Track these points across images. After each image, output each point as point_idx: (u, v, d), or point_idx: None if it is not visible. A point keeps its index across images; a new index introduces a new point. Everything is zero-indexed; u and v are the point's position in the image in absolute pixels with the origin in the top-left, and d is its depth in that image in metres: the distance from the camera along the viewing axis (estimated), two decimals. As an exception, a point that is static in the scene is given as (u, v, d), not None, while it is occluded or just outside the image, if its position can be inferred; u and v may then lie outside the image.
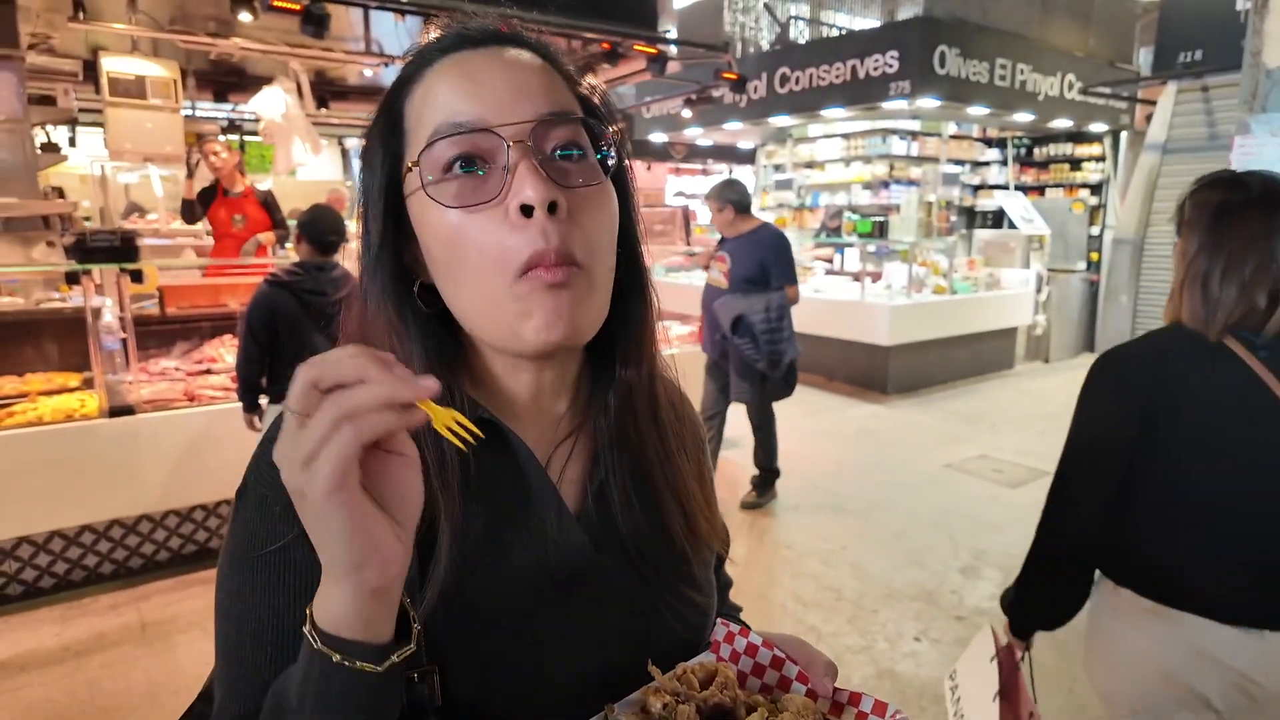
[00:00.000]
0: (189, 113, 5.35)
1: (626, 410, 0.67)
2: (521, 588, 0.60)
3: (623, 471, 0.66)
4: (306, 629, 0.46)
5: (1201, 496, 1.29)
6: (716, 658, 0.64)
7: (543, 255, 0.54)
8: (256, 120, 4.96)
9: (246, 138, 7.64)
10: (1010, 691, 1.48)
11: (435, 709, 0.56)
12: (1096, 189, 9.52)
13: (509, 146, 0.55)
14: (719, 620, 0.65)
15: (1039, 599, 1.51)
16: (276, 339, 2.94)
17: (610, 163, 0.61)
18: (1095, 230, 9.07)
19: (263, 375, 3.03)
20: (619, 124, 0.64)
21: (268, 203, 4.89)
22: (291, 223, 3.97)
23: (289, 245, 4.62)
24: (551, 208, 0.54)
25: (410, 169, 0.58)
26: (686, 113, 7.18)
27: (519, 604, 0.59)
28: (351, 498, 0.43)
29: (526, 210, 0.54)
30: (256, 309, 2.94)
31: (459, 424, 0.47)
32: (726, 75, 5.64)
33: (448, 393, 0.59)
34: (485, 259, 0.55)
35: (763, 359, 4.15)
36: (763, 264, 4.11)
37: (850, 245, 8.00)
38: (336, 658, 0.45)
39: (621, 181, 0.64)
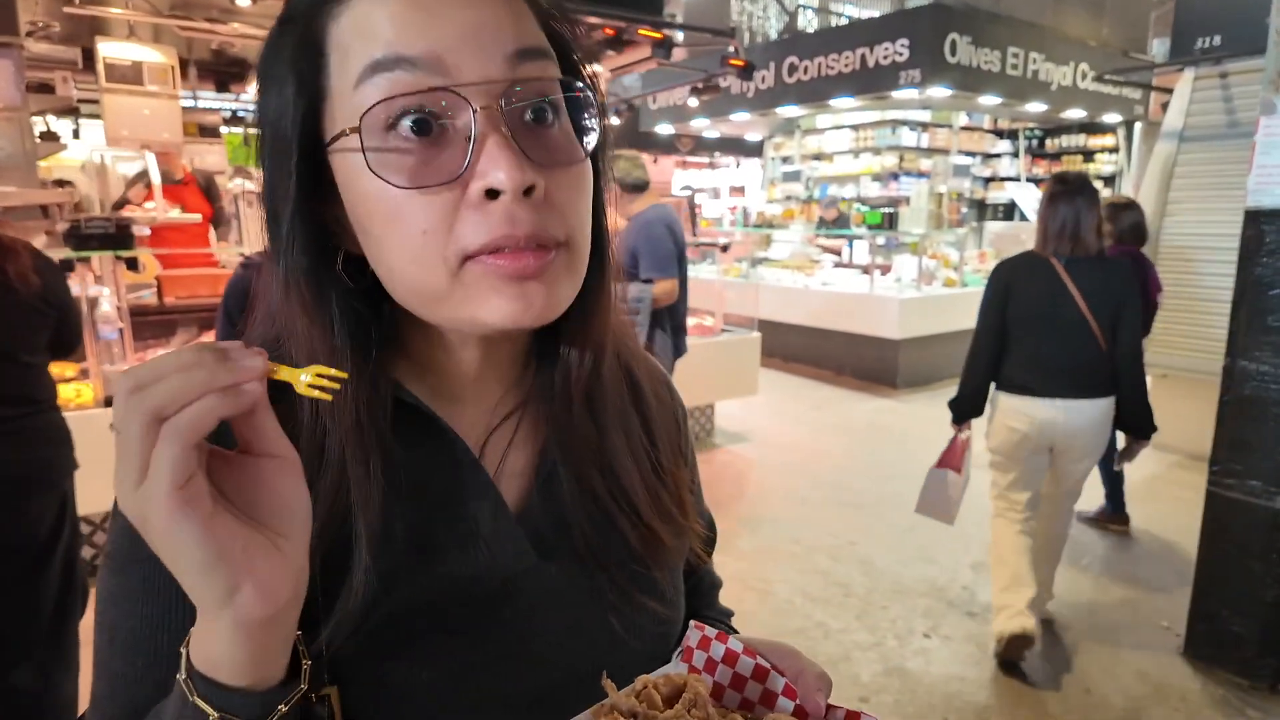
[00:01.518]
0: (190, 103, 5.29)
1: (576, 391, 0.57)
2: (446, 597, 0.51)
3: (576, 462, 0.57)
4: (180, 676, 0.39)
5: (1028, 337, 2.67)
6: (689, 667, 0.54)
7: (507, 240, 0.45)
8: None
9: (250, 130, 7.60)
10: (950, 459, 2.94)
11: None
12: (1110, 181, 9.39)
13: (475, 112, 0.44)
14: (693, 623, 0.54)
15: (965, 402, 2.85)
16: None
17: (589, 129, 0.50)
18: (1108, 222, 8.94)
19: None
20: (592, 70, 0.54)
21: (209, 189, 4.72)
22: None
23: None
24: (527, 192, 0.44)
25: (343, 133, 0.45)
26: (693, 102, 7.09)
27: (441, 617, 0.51)
28: (201, 513, 0.36)
29: (492, 194, 0.44)
30: (232, 292, 2.90)
31: (321, 376, 0.40)
32: (733, 61, 5.55)
33: (372, 385, 0.50)
34: (427, 241, 0.45)
35: None
36: (633, 251, 3.63)
37: (859, 237, 7.91)
38: (214, 717, 0.39)
39: (599, 142, 0.52)
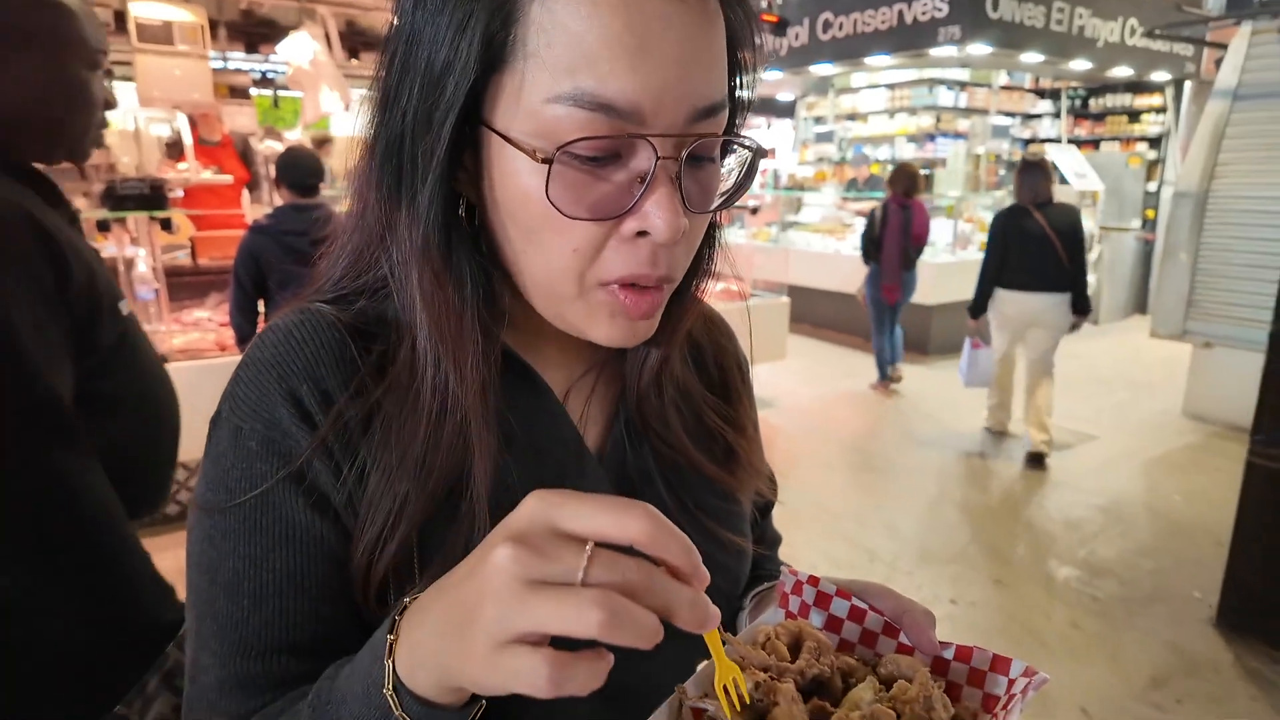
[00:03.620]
0: (220, 65, 5.30)
1: (647, 374, 0.60)
2: None
3: (655, 406, 0.60)
4: (388, 690, 0.40)
5: (1018, 255, 4.29)
6: (786, 613, 0.54)
7: (642, 279, 0.47)
8: (287, 71, 4.90)
9: (279, 92, 7.61)
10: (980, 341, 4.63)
11: None
12: (1155, 143, 9.06)
13: (657, 160, 0.44)
14: (785, 568, 0.57)
15: (979, 302, 4.46)
16: (264, 284, 2.95)
17: (732, 173, 0.52)
18: (1152, 186, 8.64)
19: (255, 322, 3.06)
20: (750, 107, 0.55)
21: (246, 154, 4.75)
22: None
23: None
24: None
25: (525, 146, 0.44)
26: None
27: None
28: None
29: (643, 234, 0.46)
30: (241, 257, 2.97)
31: (735, 685, 0.40)
32: (766, 17, 5.41)
33: (493, 346, 0.52)
34: (574, 259, 0.47)
35: None
36: None
37: (892, 201, 7.74)
38: None
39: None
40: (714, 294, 0.62)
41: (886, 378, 5.75)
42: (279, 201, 3.21)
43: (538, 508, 0.36)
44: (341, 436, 0.49)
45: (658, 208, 0.45)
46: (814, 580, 0.54)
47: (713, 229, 0.58)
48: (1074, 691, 2.46)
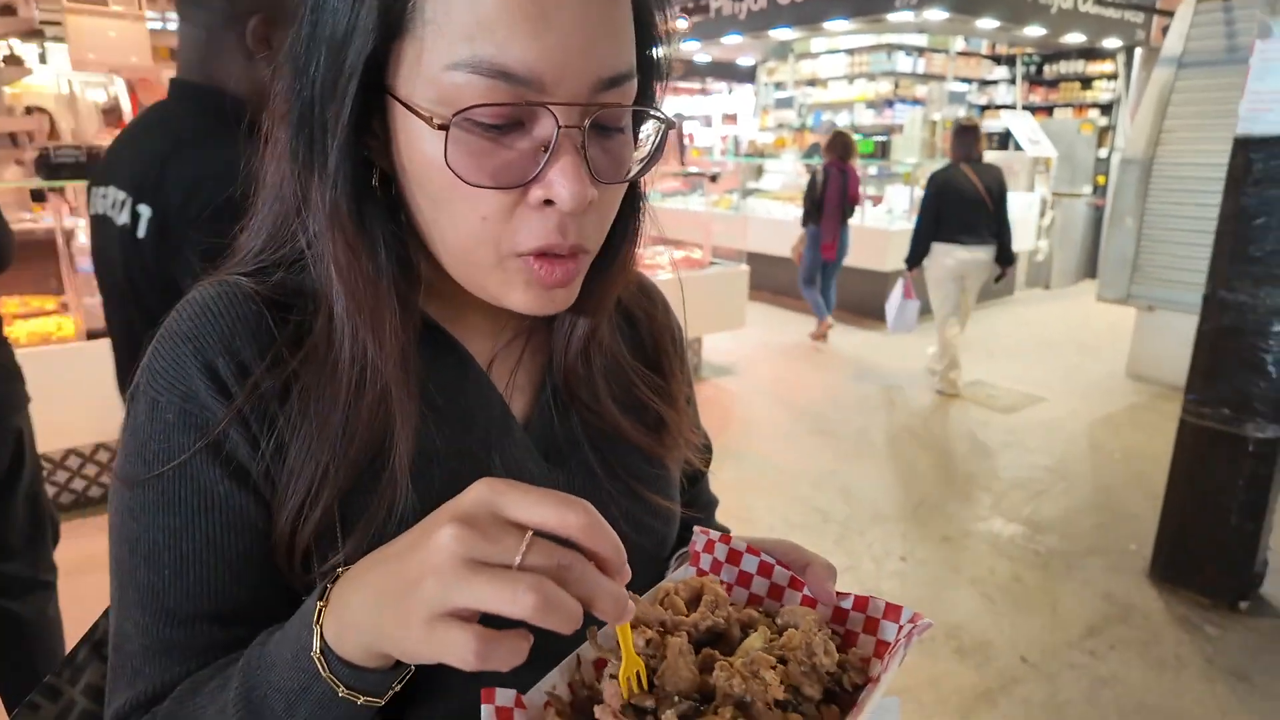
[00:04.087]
0: (158, 25, 5.08)
1: (575, 343, 0.61)
2: None
3: (582, 376, 0.61)
4: (315, 653, 0.41)
5: (953, 210, 4.71)
6: (697, 570, 0.57)
7: (553, 248, 0.48)
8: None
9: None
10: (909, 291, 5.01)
11: None
12: (1107, 109, 9.22)
13: (559, 129, 0.45)
14: (697, 529, 0.59)
15: (916, 254, 4.83)
16: None
17: (645, 143, 0.53)
18: (1104, 153, 8.82)
19: None
20: (668, 79, 0.55)
21: None
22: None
23: None
24: None
25: (422, 112, 0.45)
26: (682, 22, 6.87)
27: None
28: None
29: (550, 202, 0.46)
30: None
31: (638, 677, 0.44)
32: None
33: (410, 312, 0.52)
34: (483, 227, 0.47)
35: None
36: None
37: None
38: (342, 691, 0.41)
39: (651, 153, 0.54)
40: (675, 262, 0.63)
41: (824, 318, 6.23)
42: None
43: (484, 493, 0.38)
44: (259, 408, 0.50)
45: (562, 176, 0.45)
46: (725, 538, 0.56)
47: (637, 198, 0.58)
48: (1015, 641, 2.58)
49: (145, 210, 1.12)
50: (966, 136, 4.84)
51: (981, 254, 4.76)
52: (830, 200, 5.79)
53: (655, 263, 4.52)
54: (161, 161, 1.11)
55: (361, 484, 0.51)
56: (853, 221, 7.03)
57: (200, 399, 0.49)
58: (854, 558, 3.08)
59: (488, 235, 0.47)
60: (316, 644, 0.41)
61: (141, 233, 1.12)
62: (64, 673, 0.66)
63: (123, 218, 1.14)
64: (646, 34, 0.51)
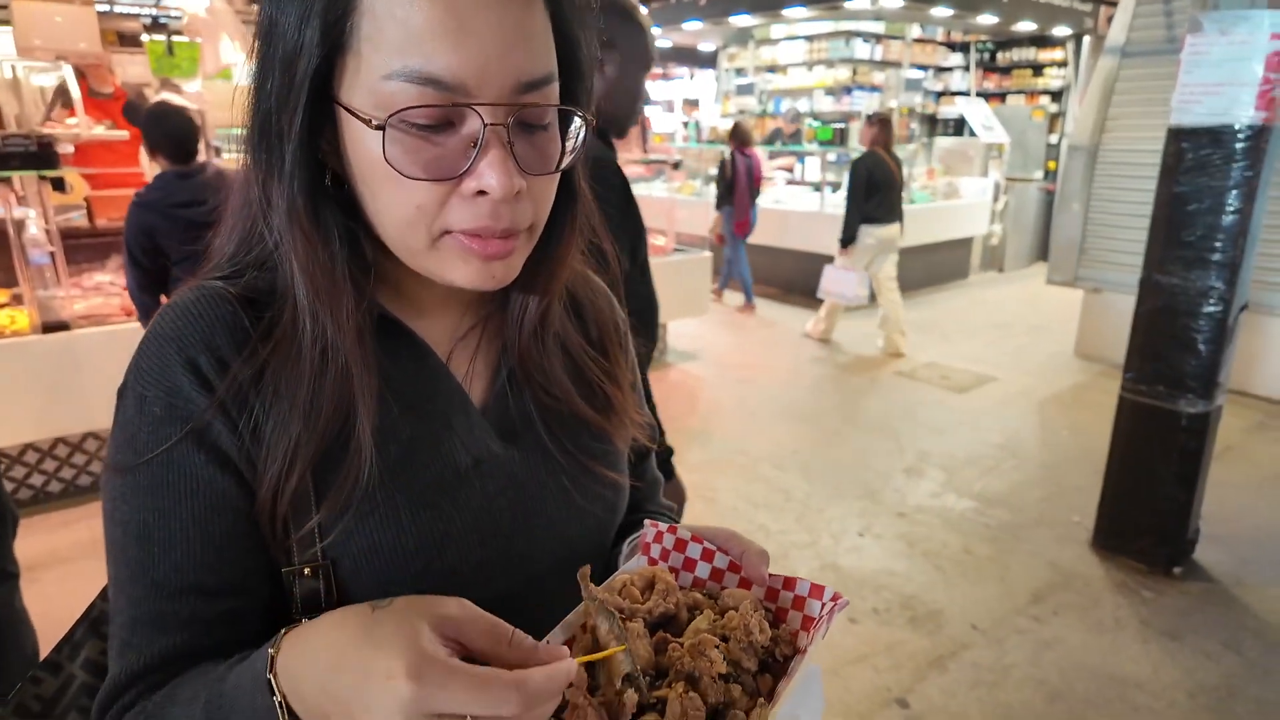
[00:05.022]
0: (105, 9, 4.95)
1: (527, 325, 0.66)
2: (425, 482, 0.60)
3: (536, 357, 0.67)
4: (277, 700, 0.45)
5: (878, 192, 5.33)
6: (648, 559, 0.64)
7: (486, 230, 0.53)
8: (181, 18, 4.62)
9: (174, 38, 7.14)
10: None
11: (330, 604, 0.56)
12: (1058, 96, 9.46)
13: (485, 126, 0.51)
14: (647, 521, 0.65)
15: (849, 233, 5.42)
16: (161, 259, 2.75)
17: (572, 141, 0.58)
18: (1054, 139, 9.06)
19: (159, 295, 2.85)
20: (587, 79, 0.60)
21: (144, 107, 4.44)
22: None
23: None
24: None
25: (364, 116, 0.51)
26: (643, 8, 6.87)
27: (421, 496, 0.59)
28: None
29: (482, 192, 0.52)
30: (131, 234, 2.73)
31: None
32: None
33: (365, 297, 0.58)
34: (418, 214, 0.53)
35: None
36: None
37: (810, 154, 7.90)
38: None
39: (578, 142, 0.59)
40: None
41: (751, 299, 6.90)
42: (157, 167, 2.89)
43: (419, 694, 0.39)
44: (236, 395, 0.55)
45: (490, 168, 0.51)
46: (672, 529, 0.64)
47: (573, 186, 0.64)
48: (966, 610, 2.71)
49: None
50: (884, 126, 5.42)
51: (895, 230, 5.51)
52: (740, 182, 6.40)
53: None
54: None
55: (331, 456, 0.56)
56: (813, 207, 7.18)
57: (185, 393, 0.55)
58: (814, 534, 3.19)
59: (420, 220, 0.53)
60: (278, 700, 0.45)
61: None
62: (63, 649, 0.70)
63: None
64: (568, 42, 0.57)
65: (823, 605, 0.57)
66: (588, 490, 0.68)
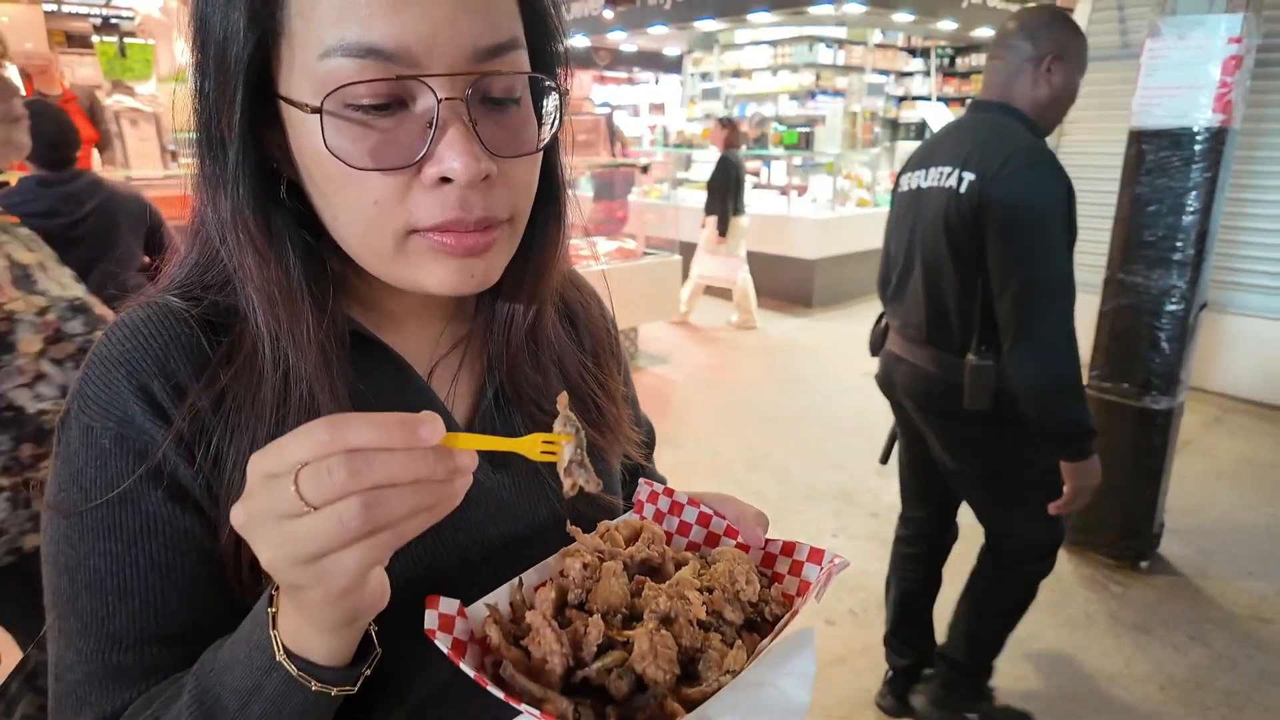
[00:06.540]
0: (53, 8, 4.79)
1: (516, 338, 0.61)
2: None
3: (528, 373, 0.62)
4: (280, 657, 0.42)
5: (737, 185, 5.96)
6: (640, 518, 0.60)
7: (457, 223, 0.47)
8: (134, 18, 4.49)
9: (125, 39, 6.95)
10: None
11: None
12: (1015, 100, 9.66)
13: (440, 101, 0.44)
14: (641, 480, 0.61)
15: (724, 224, 6.00)
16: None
17: (549, 116, 0.51)
18: (1013, 142, 9.24)
19: None
20: (561, 42, 0.54)
21: (93, 110, 4.31)
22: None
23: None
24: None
25: (301, 103, 0.45)
26: (608, 12, 6.87)
27: None
28: (367, 588, 0.39)
29: (446, 179, 0.45)
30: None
31: (548, 443, 0.46)
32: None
33: (332, 320, 0.51)
34: (376, 212, 0.46)
35: None
36: None
37: (776, 158, 7.95)
38: (315, 685, 0.42)
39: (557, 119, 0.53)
40: (610, 253, 0.64)
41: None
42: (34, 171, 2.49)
43: (252, 463, 0.38)
44: (194, 425, 0.49)
45: (451, 149, 0.44)
46: (669, 491, 0.60)
47: (555, 178, 0.57)
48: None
49: (968, 175, 1.70)
50: (736, 129, 6.07)
51: (746, 220, 6.13)
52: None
53: (589, 254, 4.54)
54: (977, 145, 1.71)
55: None
56: (780, 211, 7.23)
57: (137, 423, 0.48)
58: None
59: (380, 219, 0.46)
60: (279, 651, 0.42)
61: (963, 190, 1.70)
62: None
63: (949, 181, 1.74)
64: (533, 6, 0.51)
65: (820, 568, 0.54)
66: (582, 516, 0.64)
